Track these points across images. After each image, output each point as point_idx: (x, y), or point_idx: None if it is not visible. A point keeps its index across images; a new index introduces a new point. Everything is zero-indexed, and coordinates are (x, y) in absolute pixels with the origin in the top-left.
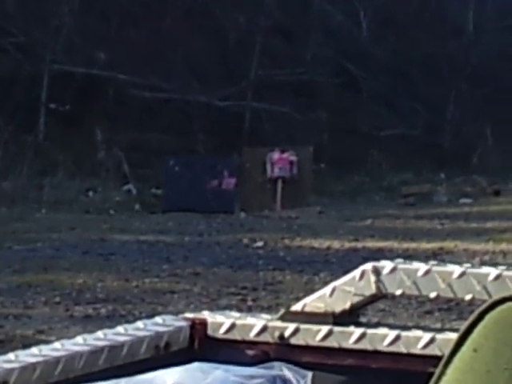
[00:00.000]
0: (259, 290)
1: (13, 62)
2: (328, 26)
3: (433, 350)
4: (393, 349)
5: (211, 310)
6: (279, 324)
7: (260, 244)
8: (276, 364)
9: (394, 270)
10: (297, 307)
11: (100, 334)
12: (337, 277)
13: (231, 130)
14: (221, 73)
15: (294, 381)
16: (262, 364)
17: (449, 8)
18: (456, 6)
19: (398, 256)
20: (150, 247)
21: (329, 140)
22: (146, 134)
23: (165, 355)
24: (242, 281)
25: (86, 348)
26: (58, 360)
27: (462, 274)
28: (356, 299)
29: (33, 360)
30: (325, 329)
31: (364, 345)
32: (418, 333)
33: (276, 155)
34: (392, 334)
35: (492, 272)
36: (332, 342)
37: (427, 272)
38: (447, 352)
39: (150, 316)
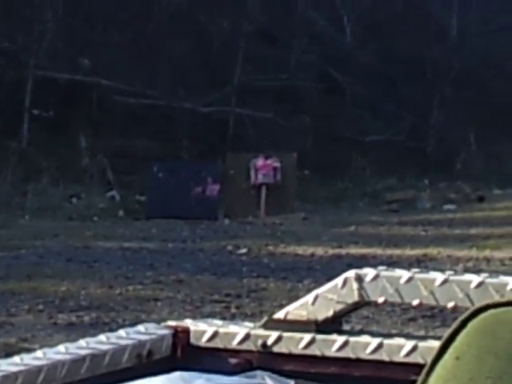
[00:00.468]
0: (243, 297)
1: None
2: (312, 32)
3: (415, 358)
4: (375, 357)
5: (195, 317)
6: (262, 332)
7: (244, 251)
8: (258, 372)
9: (376, 277)
10: (279, 315)
11: (82, 342)
12: (320, 284)
13: (215, 136)
14: (205, 78)
15: None
16: (245, 372)
17: (432, 12)
18: (440, 10)
19: (382, 262)
20: (133, 254)
21: (312, 146)
22: (130, 141)
23: (147, 364)
24: (225, 288)
25: (68, 357)
26: (39, 369)
27: (445, 282)
28: (339, 307)
29: (14, 369)
30: (307, 337)
31: (346, 353)
32: (401, 341)
33: (260, 161)
34: (374, 341)
35: (474, 279)
36: (315, 350)
37: (410, 279)
38: (430, 360)
39: (134, 323)
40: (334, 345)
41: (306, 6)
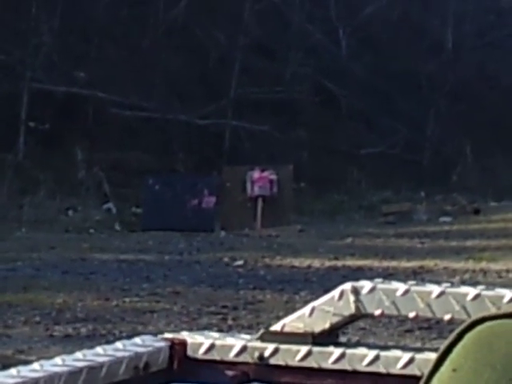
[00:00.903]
0: (239, 309)
1: None
2: (307, 45)
3: (412, 370)
4: (372, 369)
5: (192, 329)
6: (258, 344)
7: (240, 263)
8: None
9: (372, 289)
10: (276, 327)
11: (79, 354)
12: (317, 296)
13: (211, 148)
14: (201, 91)
15: None
16: None
17: (428, 26)
18: (435, 23)
19: (379, 274)
20: (129, 266)
21: (308, 158)
22: (126, 153)
23: (144, 376)
24: (222, 300)
25: (64, 369)
26: (36, 381)
27: (441, 294)
28: (335, 319)
29: (11, 381)
30: (304, 349)
31: (343, 365)
32: (398, 353)
33: (256, 174)
34: (371, 353)
35: (471, 292)
36: (311, 363)
37: (406, 292)
38: (426, 372)
39: (131, 335)
40: (330, 357)
41: (302, 19)
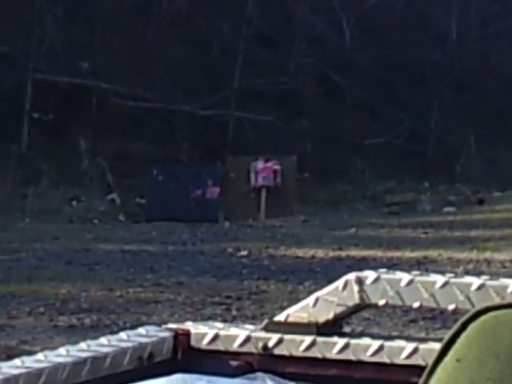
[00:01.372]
0: (243, 300)
1: None
2: (311, 35)
3: (416, 360)
4: (376, 359)
5: (195, 319)
6: (263, 334)
7: (244, 253)
8: (259, 375)
9: (376, 279)
10: (280, 317)
11: (83, 345)
12: (321, 286)
13: (215, 139)
14: (204, 82)
15: None
16: (246, 375)
17: (432, 16)
18: (439, 13)
19: (383, 265)
20: (133, 257)
21: (312, 149)
22: (130, 144)
23: (148, 366)
24: (226, 290)
25: (68, 359)
26: (40, 372)
27: (445, 284)
28: (339, 309)
29: (15, 372)
30: (308, 339)
31: (347, 355)
32: (402, 343)
33: (260, 164)
34: (375, 344)
35: (475, 282)
36: (315, 353)
37: (410, 282)
38: (430, 362)
39: (135, 326)
40: (334, 347)
41: (305, 9)
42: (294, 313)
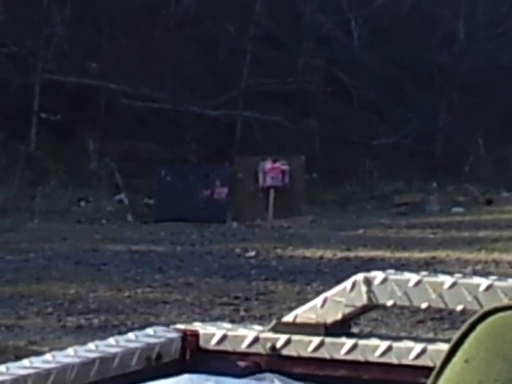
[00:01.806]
0: (252, 300)
1: (4, 71)
2: (319, 35)
3: (424, 361)
4: (384, 360)
5: (204, 319)
6: (271, 335)
7: (252, 254)
8: (267, 375)
9: (385, 280)
10: (288, 318)
11: (91, 345)
12: (329, 286)
13: (223, 139)
14: (212, 82)
15: None
16: (254, 375)
17: (440, 17)
18: (447, 14)
19: (391, 265)
20: (142, 257)
21: (320, 149)
22: (138, 144)
23: (156, 367)
24: (234, 290)
25: (77, 360)
26: (49, 372)
27: (453, 285)
28: (347, 310)
29: (24, 372)
30: (316, 340)
31: (355, 356)
32: (410, 343)
33: (268, 164)
34: (383, 344)
35: (483, 282)
36: (323, 353)
37: (418, 282)
38: (438, 363)
39: (143, 326)
40: (342, 348)
41: (313, 9)
42: (302, 313)
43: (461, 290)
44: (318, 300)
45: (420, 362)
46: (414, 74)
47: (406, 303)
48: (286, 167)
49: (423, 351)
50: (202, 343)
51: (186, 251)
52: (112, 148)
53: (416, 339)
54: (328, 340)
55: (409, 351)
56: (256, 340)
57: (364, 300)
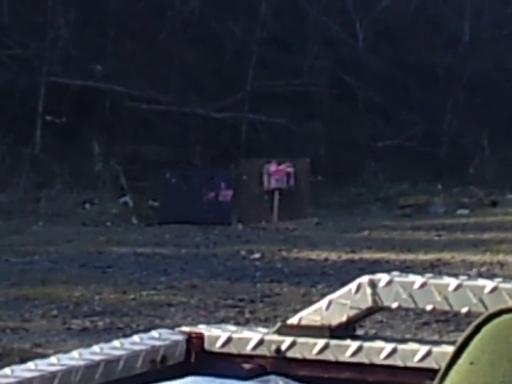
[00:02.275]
0: (257, 302)
1: (9, 74)
2: (324, 37)
3: (429, 363)
4: (389, 362)
5: (209, 322)
6: (276, 337)
7: (257, 256)
8: (272, 378)
9: (390, 282)
10: (293, 320)
11: (96, 348)
12: (334, 289)
13: (228, 141)
14: (217, 84)
15: None
16: (259, 378)
17: (445, 18)
18: (452, 16)
19: (396, 267)
20: (147, 259)
21: (325, 151)
22: (143, 146)
23: (161, 369)
24: (239, 293)
25: (81, 363)
26: (54, 375)
27: (458, 287)
28: (352, 312)
29: (29, 375)
30: (321, 342)
31: (360, 358)
32: (415, 346)
33: (273, 167)
34: (388, 347)
35: (488, 284)
36: (328, 356)
37: (423, 285)
38: (444, 365)
39: (148, 329)
40: (347, 350)
41: (319, 11)
42: (307, 316)
43: (466, 292)
44: (323, 302)
45: (425, 365)
46: (420, 76)
47: (411, 305)
48: (291, 169)
49: (428, 353)
50: (206, 346)
51: (191, 253)
52: (117, 150)
53: (421, 341)
54: (333, 342)
55: (414, 353)
56: (261, 342)
57: (369, 302)
